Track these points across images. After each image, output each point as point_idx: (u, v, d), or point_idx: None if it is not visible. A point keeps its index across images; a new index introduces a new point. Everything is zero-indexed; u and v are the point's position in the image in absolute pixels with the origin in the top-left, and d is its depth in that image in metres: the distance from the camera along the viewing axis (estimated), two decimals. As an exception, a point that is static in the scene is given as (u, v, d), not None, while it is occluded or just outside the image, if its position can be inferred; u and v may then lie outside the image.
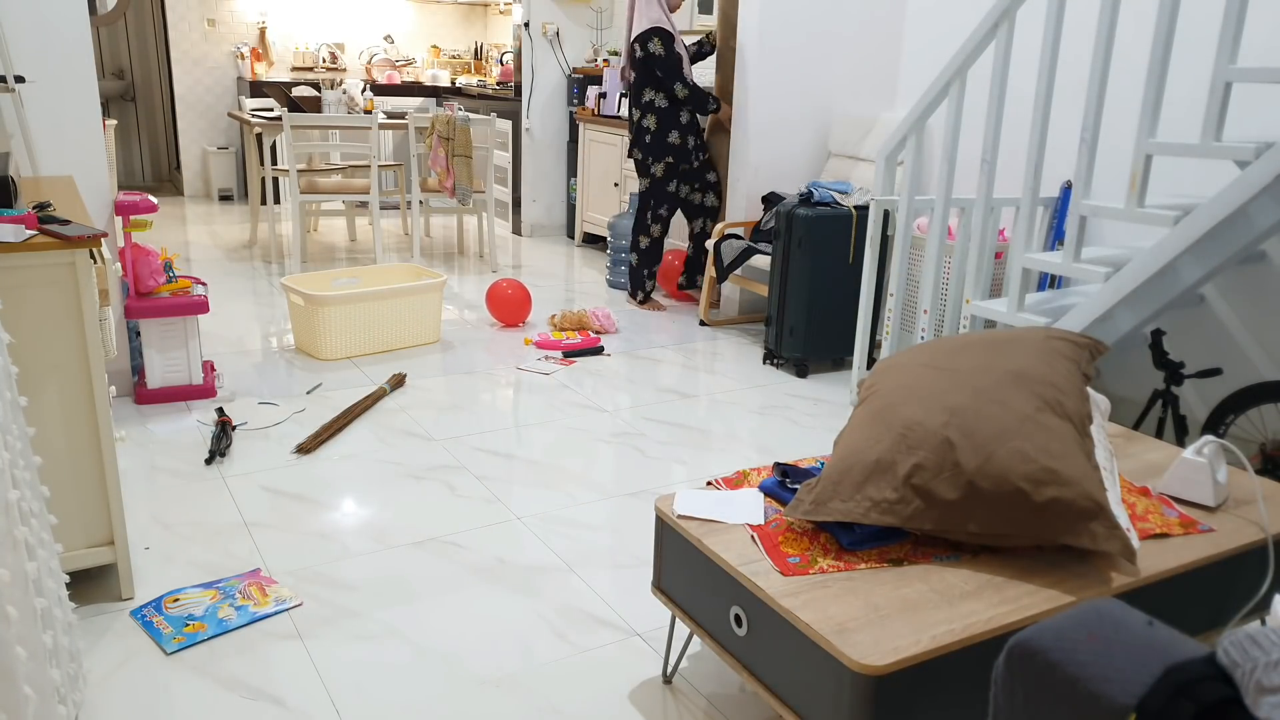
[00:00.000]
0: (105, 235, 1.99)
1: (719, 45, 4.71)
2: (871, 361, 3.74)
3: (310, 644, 2.06)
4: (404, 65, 7.99)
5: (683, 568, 1.79)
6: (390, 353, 4.00)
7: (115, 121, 6.56)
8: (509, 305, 4.45)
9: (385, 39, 7.99)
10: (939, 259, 3.27)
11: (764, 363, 4.10)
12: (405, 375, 3.64)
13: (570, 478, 2.92)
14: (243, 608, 2.17)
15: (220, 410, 3.18)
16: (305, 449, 2.99)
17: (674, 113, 4.52)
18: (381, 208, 6.05)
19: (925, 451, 1.64)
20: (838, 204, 3.89)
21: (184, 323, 3.33)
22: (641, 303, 4.91)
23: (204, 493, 2.71)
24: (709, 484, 1.95)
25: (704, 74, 5.73)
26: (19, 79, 2.89)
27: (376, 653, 2.04)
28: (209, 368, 3.53)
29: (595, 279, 5.51)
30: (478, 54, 8.36)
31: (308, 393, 3.51)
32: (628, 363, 4.04)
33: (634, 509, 2.73)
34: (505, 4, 8.02)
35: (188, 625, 2.09)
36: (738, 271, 4.40)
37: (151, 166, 8.29)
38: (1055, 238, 3.58)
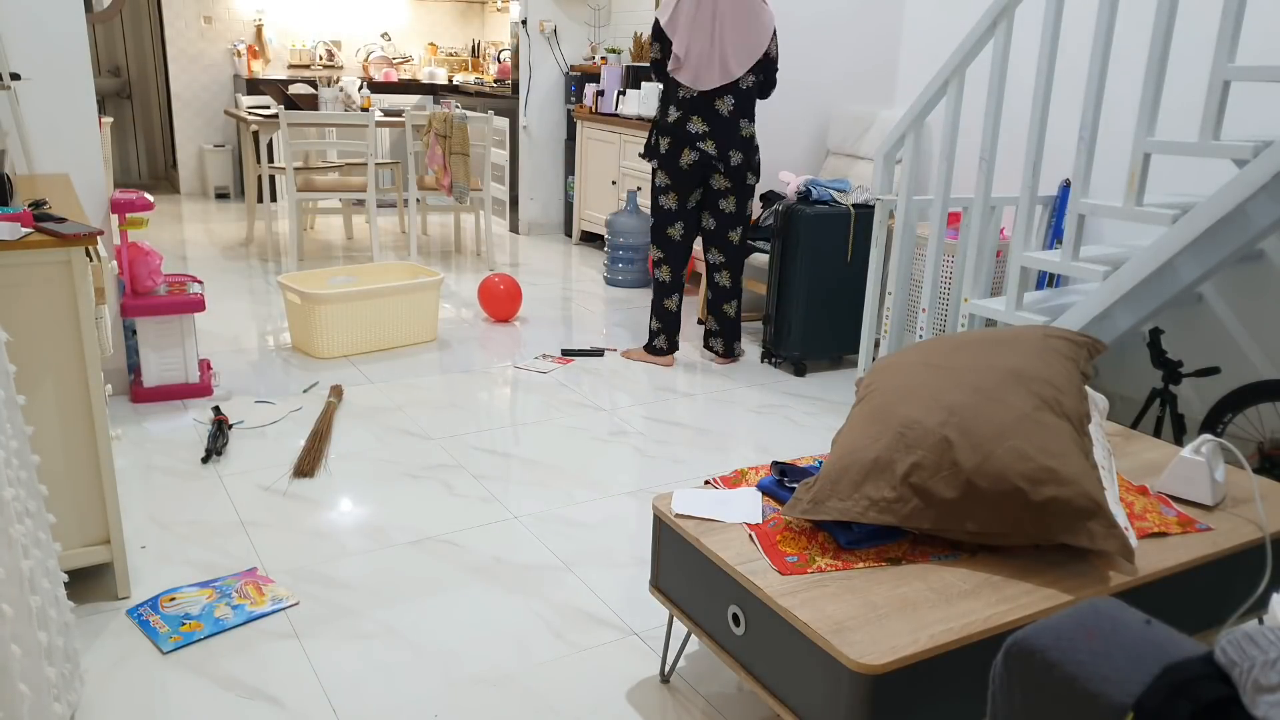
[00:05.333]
0: (101, 233, 1.98)
1: None
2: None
3: (307, 643, 2.05)
4: (401, 63, 7.97)
5: (681, 567, 1.79)
6: (387, 351, 3.99)
7: (111, 119, 6.54)
8: (500, 300, 4.45)
9: (382, 36, 7.98)
10: (938, 257, 3.27)
11: (762, 361, 4.09)
12: (342, 386, 3.51)
13: (568, 477, 2.91)
14: (239, 607, 2.16)
15: (216, 409, 3.17)
16: (304, 472, 2.85)
17: None
18: (378, 206, 6.04)
19: (923, 450, 1.64)
20: (836, 202, 3.89)
21: (180, 321, 3.32)
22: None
23: (200, 491, 2.71)
24: (707, 483, 1.94)
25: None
26: (15, 76, 2.89)
27: (373, 652, 2.03)
28: (205, 366, 3.52)
29: (593, 277, 5.50)
30: (475, 51, 8.35)
31: (304, 391, 3.50)
32: (625, 361, 4.03)
33: (631, 508, 2.73)
34: (503, 1, 8.01)
35: (184, 624, 2.09)
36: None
37: (148, 164, 8.27)
38: (1054, 236, 3.58)
